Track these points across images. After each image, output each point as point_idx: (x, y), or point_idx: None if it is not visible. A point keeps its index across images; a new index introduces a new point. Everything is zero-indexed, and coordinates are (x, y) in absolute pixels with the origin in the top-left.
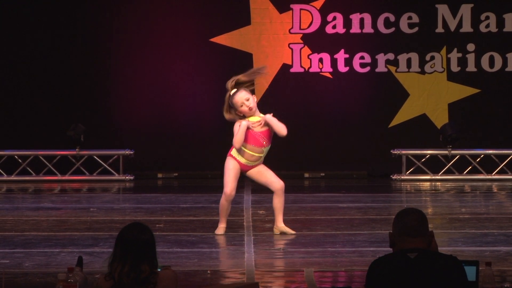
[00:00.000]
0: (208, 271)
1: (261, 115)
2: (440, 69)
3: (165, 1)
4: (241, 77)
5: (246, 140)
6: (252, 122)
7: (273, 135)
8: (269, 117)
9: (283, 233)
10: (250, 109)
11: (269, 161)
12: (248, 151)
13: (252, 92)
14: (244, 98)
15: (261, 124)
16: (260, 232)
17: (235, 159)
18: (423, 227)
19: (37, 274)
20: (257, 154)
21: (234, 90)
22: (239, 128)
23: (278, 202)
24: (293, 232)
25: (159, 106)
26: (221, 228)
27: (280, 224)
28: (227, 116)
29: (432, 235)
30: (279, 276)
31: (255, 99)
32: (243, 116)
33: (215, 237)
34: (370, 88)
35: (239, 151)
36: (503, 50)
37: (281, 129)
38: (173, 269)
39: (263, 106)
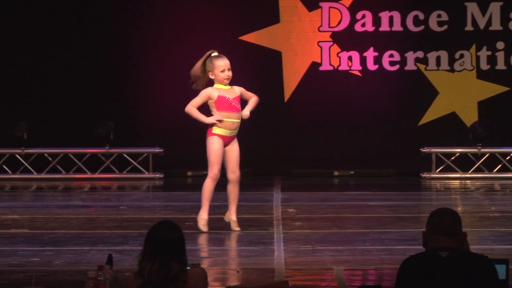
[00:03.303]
0: (238, 269)
1: (235, 88)
2: (469, 67)
3: None
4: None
5: (222, 108)
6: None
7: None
8: (247, 114)
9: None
10: (228, 79)
11: (300, 159)
12: (228, 120)
13: None
14: (227, 67)
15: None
16: (289, 230)
17: (218, 135)
18: (457, 227)
19: (67, 272)
20: (236, 120)
21: (216, 53)
22: (199, 114)
23: (232, 192)
24: (238, 229)
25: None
26: (202, 220)
27: (233, 217)
28: (196, 73)
29: (465, 235)
30: (309, 274)
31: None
32: (211, 83)
33: (244, 235)
34: (400, 86)
35: (220, 124)
36: None
37: (256, 101)
38: (203, 267)
39: (292, 105)
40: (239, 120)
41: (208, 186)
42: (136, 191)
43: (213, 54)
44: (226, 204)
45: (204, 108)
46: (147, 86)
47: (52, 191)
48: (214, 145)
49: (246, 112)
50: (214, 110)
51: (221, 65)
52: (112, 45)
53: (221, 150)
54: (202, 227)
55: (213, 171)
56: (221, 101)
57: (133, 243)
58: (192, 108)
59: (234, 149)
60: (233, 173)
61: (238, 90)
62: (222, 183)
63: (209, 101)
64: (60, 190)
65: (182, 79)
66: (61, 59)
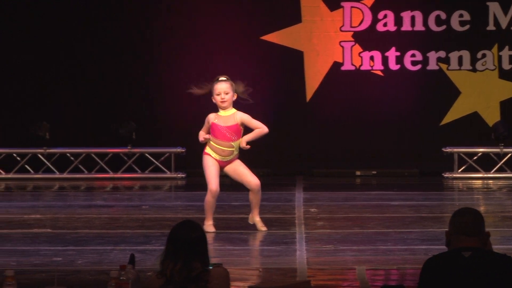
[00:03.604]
0: (260, 269)
1: (238, 115)
2: (491, 67)
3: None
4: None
5: (214, 134)
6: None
7: (244, 131)
8: (245, 145)
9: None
10: (223, 102)
11: (322, 158)
12: (218, 147)
13: (240, 91)
14: (224, 90)
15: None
16: (311, 230)
17: (211, 155)
18: (480, 226)
19: (89, 272)
20: (227, 149)
21: (224, 78)
22: (201, 136)
23: (254, 199)
24: (264, 229)
25: (210, 104)
26: (209, 226)
27: (256, 218)
28: (198, 91)
29: (488, 235)
30: (331, 274)
31: (234, 98)
32: (215, 109)
33: (266, 235)
34: (421, 86)
35: (212, 147)
36: None
37: (262, 133)
38: (225, 267)
39: (314, 105)
40: (232, 149)
41: (208, 200)
42: (158, 190)
43: (220, 78)
44: (248, 204)
45: None
46: (169, 86)
47: (75, 190)
48: (207, 162)
49: (243, 144)
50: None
51: (218, 89)
52: (134, 46)
53: (215, 166)
54: (209, 230)
55: (210, 186)
56: (213, 128)
57: (155, 243)
58: (200, 132)
59: (236, 166)
60: (252, 182)
61: (239, 118)
62: (237, 183)
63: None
64: (82, 190)
65: (205, 79)
66: (84, 59)
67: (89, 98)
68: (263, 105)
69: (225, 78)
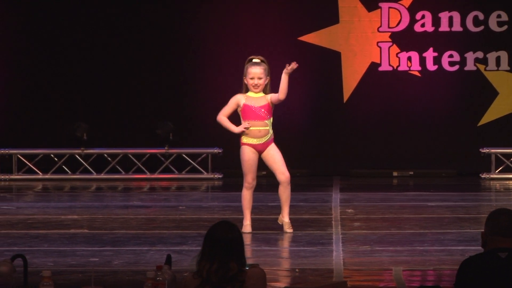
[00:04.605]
0: (297, 270)
1: (267, 96)
2: None
3: (254, 0)
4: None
5: (247, 117)
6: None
7: (273, 108)
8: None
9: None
10: (256, 87)
11: (358, 159)
12: (254, 128)
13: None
14: (257, 75)
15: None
16: (348, 230)
17: (248, 144)
18: None
19: (126, 272)
20: (263, 128)
21: (258, 60)
22: (228, 124)
23: (283, 194)
24: (290, 231)
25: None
26: (247, 226)
27: (285, 219)
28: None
29: None
30: (368, 274)
31: (267, 81)
32: (245, 88)
33: (303, 235)
34: (459, 86)
35: (248, 132)
36: None
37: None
38: (261, 268)
39: (351, 105)
40: (267, 127)
41: (244, 195)
42: (195, 191)
43: (253, 60)
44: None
45: (235, 117)
46: (206, 87)
47: (112, 191)
48: (244, 155)
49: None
50: (241, 119)
51: (251, 73)
52: (172, 47)
53: (253, 160)
54: (245, 230)
55: (247, 180)
56: (246, 110)
57: (191, 243)
58: (222, 117)
59: (272, 152)
60: (282, 174)
61: (269, 97)
62: (274, 184)
63: (238, 108)
64: (119, 191)
65: (241, 79)
66: (121, 61)
67: (126, 99)
68: (300, 106)
69: (259, 60)
